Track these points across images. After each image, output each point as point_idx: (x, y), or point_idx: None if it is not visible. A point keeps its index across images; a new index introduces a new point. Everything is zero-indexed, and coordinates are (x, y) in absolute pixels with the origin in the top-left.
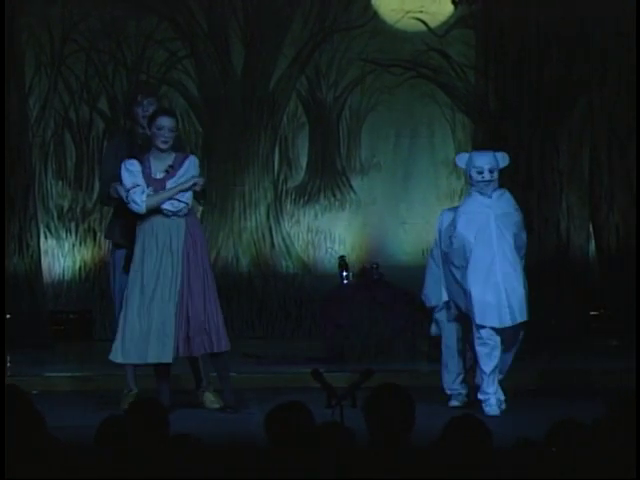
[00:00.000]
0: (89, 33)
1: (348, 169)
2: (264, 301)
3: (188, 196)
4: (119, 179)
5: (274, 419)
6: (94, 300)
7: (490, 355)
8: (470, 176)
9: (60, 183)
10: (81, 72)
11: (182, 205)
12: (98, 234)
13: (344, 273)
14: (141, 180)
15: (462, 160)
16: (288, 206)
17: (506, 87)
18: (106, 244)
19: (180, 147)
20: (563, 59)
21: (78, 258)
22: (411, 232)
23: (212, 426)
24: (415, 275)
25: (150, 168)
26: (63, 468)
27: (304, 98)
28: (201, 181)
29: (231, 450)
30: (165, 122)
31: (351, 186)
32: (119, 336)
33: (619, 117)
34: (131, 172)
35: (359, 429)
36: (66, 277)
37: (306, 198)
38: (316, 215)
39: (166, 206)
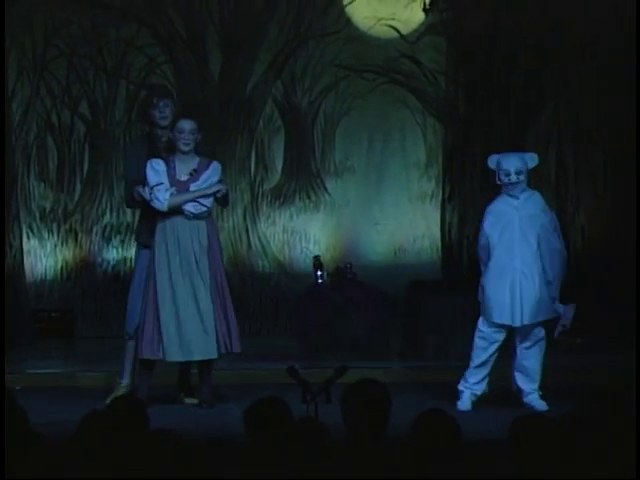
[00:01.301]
0: (70, 39)
1: (322, 172)
2: (241, 300)
3: (210, 201)
4: (143, 181)
5: (253, 414)
6: (75, 299)
7: (485, 350)
8: (499, 178)
9: (42, 185)
10: (63, 77)
11: (204, 209)
12: (79, 234)
13: (319, 272)
14: (165, 179)
15: (492, 162)
16: (264, 207)
17: (475, 92)
18: (88, 244)
19: (204, 151)
20: (530, 65)
21: (60, 258)
22: (383, 233)
23: (190, 422)
24: (387, 274)
25: (175, 169)
26: (46, 464)
27: (280, 103)
28: (224, 188)
29: (210, 445)
30: (185, 125)
31: (325, 188)
32: (154, 336)
33: (585, 122)
34: (157, 171)
35: (333, 424)
36: (48, 276)
37: (282, 200)
38: (291, 216)
39: (188, 208)
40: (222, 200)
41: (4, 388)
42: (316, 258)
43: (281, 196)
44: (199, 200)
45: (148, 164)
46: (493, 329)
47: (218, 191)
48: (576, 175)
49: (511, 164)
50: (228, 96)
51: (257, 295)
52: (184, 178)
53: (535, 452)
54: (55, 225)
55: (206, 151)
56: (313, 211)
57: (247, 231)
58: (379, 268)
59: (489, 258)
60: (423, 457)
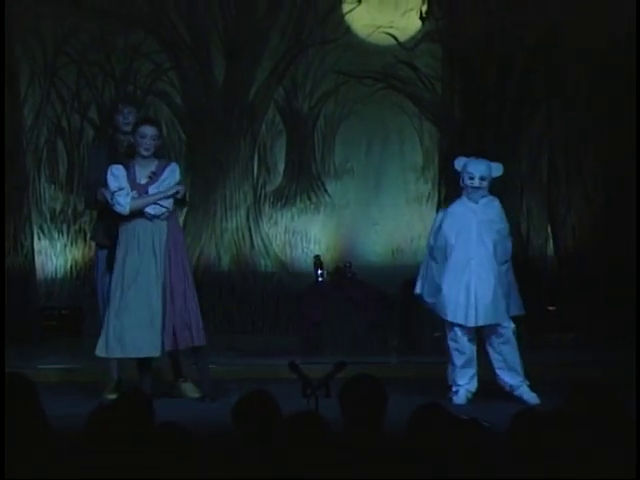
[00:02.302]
0: (80, 46)
1: (323, 174)
2: (244, 297)
3: (169, 202)
4: (104, 183)
5: (239, 409)
6: (84, 297)
7: (461, 351)
8: (462, 180)
9: (53, 187)
10: (72, 83)
11: (163, 210)
12: (88, 235)
13: (319, 272)
14: (125, 184)
15: (459, 163)
16: (267, 209)
17: (470, 98)
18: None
19: (163, 154)
20: (523, 73)
21: (69, 257)
22: (382, 233)
23: (193, 415)
24: (386, 274)
25: (135, 174)
26: (57, 456)
27: (281, 108)
28: (182, 189)
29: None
30: (147, 131)
31: (326, 190)
32: (103, 332)
33: (576, 126)
34: (116, 176)
35: (332, 417)
36: (58, 275)
37: (283, 201)
38: (293, 217)
39: (148, 210)
40: (181, 201)
41: (4, 387)
42: (316, 257)
43: (283, 198)
44: (159, 202)
45: (108, 170)
46: (457, 330)
47: (177, 192)
48: (567, 178)
49: (477, 169)
50: (231, 101)
51: (259, 293)
52: (143, 181)
53: (535, 447)
54: (65, 226)
55: (210, 154)
56: (314, 212)
57: (250, 231)
58: (377, 267)
59: (445, 258)
60: (420, 449)
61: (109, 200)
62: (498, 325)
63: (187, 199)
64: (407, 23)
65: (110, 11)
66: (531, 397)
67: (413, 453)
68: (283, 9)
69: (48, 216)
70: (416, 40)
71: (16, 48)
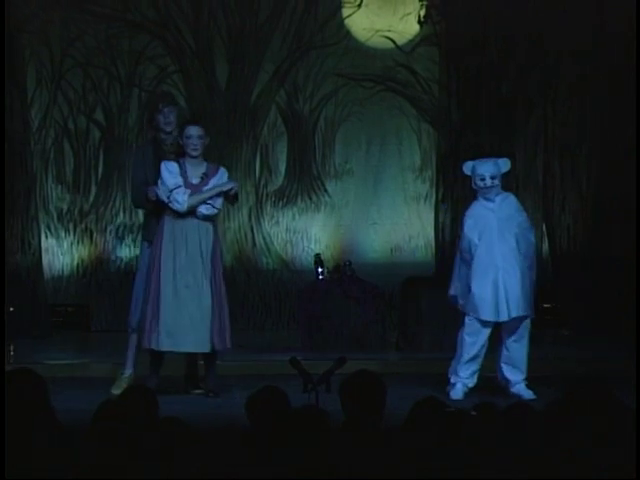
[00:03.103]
0: (86, 50)
1: (323, 174)
2: (246, 295)
3: (220, 202)
4: (149, 183)
5: (254, 403)
6: (91, 294)
7: (473, 345)
8: (474, 183)
9: (59, 187)
10: (79, 86)
11: (215, 210)
12: (94, 234)
13: (319, 269)
14: (181, 181)
15: (467, 168)
16: (268, 208)
17: (467, 100)
18: (102, 242)
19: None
20: (518, 75)
21: (76, 256)
22: (381, 232)
23: (197, 410)
24: (384, 271)
25: (187, 173)
26: (64, 450)
27: (283, 110)
28: (236, 186)
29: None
30: (192, 131)
31: (326, 190)
32: (151, 326)
33: (570, 127)
34: (172, 173)
35: (332, 412)
36: (65, 273)
37: (285, 201)
38: (294, 216)
39: (201, 209)
40: (232, 198)
41: (4, 386)
42: (317, 256)
43: (284, 197)
44: (211, 202)
45: (163, 166)
46: (479, 325)
47: (231, 189)
48: (562, 178)
49: (486, 169)
50: (234, 104)
51: (261, 290)
52: (195, 181)
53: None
54: (71, 225)
55: (213, 155)
56: (314, 211)
57: (252, 230)
58: (376, 265)
59: (471, 258)
60: (419, 443)
61: (164, 198)
62: (517, 323)
63: (238, 197)
64: (405, 27)
65: (116, 16)
66: (527, 394)
67: (412, 446)
68: (284, 14)
69: (55, 215)
70: (414, 44)
71: (24, 52)
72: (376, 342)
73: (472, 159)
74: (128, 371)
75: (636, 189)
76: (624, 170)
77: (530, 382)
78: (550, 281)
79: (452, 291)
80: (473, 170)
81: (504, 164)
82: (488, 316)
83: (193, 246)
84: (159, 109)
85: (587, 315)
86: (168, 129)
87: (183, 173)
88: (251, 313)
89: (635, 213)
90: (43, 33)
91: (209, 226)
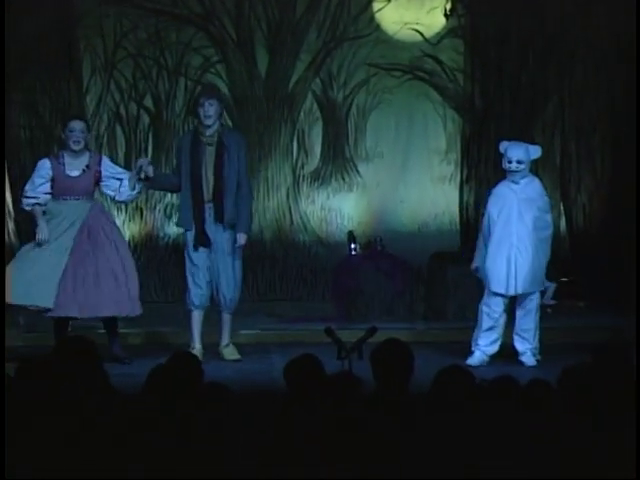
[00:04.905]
0: (137, 42)
1: (355, 157)
2: (284, 269)
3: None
4: (189, 169)
5: (292, 369)
6: (141, 269)
7: (490, 315)
8: (504, 163)
9: None
10: (130, 75)
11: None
12: (145, 212)
13: (352, 245)
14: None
15: (502, 147)
16: (305, 188)
17: (489, 87)
18: (152, 220)
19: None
20: (537, 63)
21: (127, 233)
22: (408, 210)
23: (239, 376)
24: (412, 246)
25: None
26: (118, 413)
27: (318, 97)
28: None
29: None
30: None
31: (358, 171)
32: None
33: (586, 113)
34: None
35: (364, 376)
36: None
37: (320, 181)
38: (328, 196)
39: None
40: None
41: (4, 385)
42: (350, 232)
43: (319, 178)
44: None
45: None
46: (494, 298)
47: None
48: (578, 160)
49: (514, 154)
50: (273, 91)
51: (298, 265)
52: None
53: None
54: (123, 204)
55: (253, 139)
56: (347, 191)
57: (290, 209)
58: (405, 241)
59: (489, 234)
60: (443, 407)
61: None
62: (526, 297)
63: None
64: (432, 20)
65: (165, 10)
66: (530, 360)
67: (437, 410)
68: (320, 8)
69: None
70: (440, 36)
71: (80, 44)
72: (404, 312)
73: (508, 140)
74: (197, 346)
75: (636, 173)
76: (636, 152)
77: (546, 350)
78: (567, 257)
79: (475, 264)
80: (505, 151)
81: (534, 151)
82: (498, 289)
83: None
84: (200, 103)
85: (601, 287)
86: (207, 122)
87: None
88: (289, 286)
89: None
90: (98, 27)
91: None
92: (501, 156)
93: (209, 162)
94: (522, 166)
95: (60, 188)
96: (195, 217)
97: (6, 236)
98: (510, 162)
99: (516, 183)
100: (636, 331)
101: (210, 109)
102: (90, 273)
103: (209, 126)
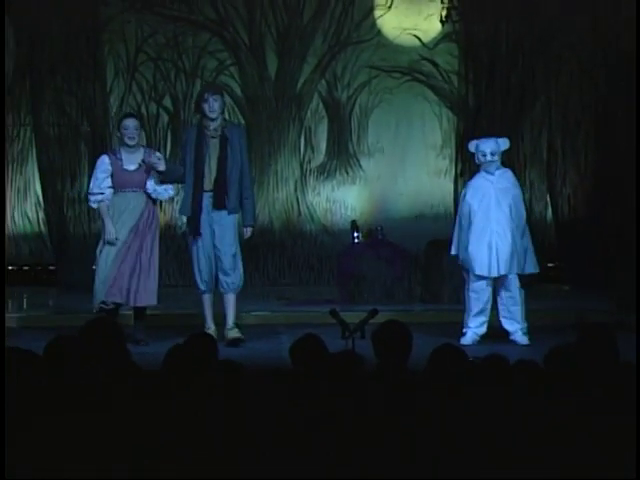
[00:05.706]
0: (156, 46)
1: (358, 152)
2: (293, 256)
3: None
4: (195, 161)
5: (296, 348)
6: (161, 254)
7: (478, 299)
8: (477, 158)
9: None
10: (150, 77)
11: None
12: (163, 204)
13: (355, 234)
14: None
15: (472, 146)
16: (311, 181)
17: (481, 88)
18: (170, 211)
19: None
20: (526, 66)
21: None
22: (407, 201)
23: (250, 353)
24: (410, 235)
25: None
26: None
27: (324, 97)
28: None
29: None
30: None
31: (360, 165)
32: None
33: (571, 112)
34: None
35: (366, 354)
36: None
37: (325, 175)
38: (333, 188)
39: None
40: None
41: (4, 385)
42: (353, 222)
43: (325, 172)
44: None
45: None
46: (478, 282)
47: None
48: (564, 155)
49: (487, 146)
50: (282, 92)
51: (305, 252)
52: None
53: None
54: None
55: (263, 136)
56: (350, 184)
57: (297, 201)
58: (404, 230)
59: (470, 223)
60: (438, 382)
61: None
62: (508, 281)
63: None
64: (429, 26)
65: (182, 17)
66: (523, 339)
67: (432, 385)
68: (325, 15)
69: None
70: (436, 40)
71: (105, 48)
72: (403, 296)
73: (476, 138)
74: (210, 326)
75: (635, 162)
76: (617, 148)
77: (533, 330)
78: (553, 244)
79: (453, 250)
80: (476, 147)
81: (503, 143)
82: (481, 271)
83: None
84: (205, 98)
85: (584, 273)
86: (212, 116)
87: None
88: (297, 272)
89: (626, 186)
90: (121, 32)
91: None
92: (472, 155)
93: (213, 154)
94: (496, 157)
95: (119, 182)
96: (193, 205)
97: (36, 226)
98: (484, 155)
99: (491, 174)
100: (636, 328)
101: (215, 104)
102: (139, 264)
103: (213, 120)
